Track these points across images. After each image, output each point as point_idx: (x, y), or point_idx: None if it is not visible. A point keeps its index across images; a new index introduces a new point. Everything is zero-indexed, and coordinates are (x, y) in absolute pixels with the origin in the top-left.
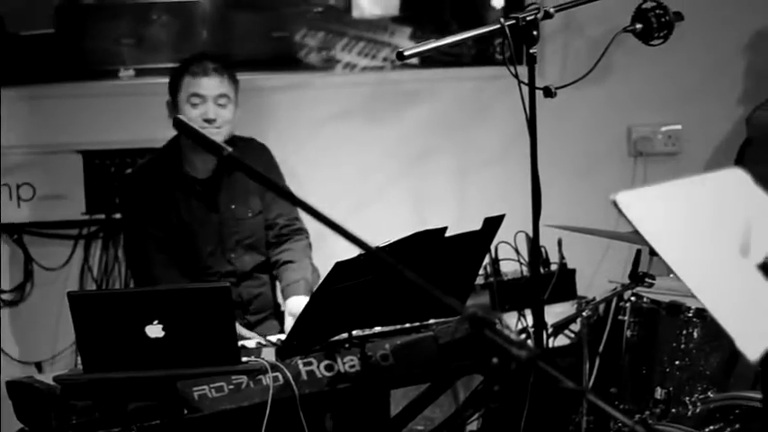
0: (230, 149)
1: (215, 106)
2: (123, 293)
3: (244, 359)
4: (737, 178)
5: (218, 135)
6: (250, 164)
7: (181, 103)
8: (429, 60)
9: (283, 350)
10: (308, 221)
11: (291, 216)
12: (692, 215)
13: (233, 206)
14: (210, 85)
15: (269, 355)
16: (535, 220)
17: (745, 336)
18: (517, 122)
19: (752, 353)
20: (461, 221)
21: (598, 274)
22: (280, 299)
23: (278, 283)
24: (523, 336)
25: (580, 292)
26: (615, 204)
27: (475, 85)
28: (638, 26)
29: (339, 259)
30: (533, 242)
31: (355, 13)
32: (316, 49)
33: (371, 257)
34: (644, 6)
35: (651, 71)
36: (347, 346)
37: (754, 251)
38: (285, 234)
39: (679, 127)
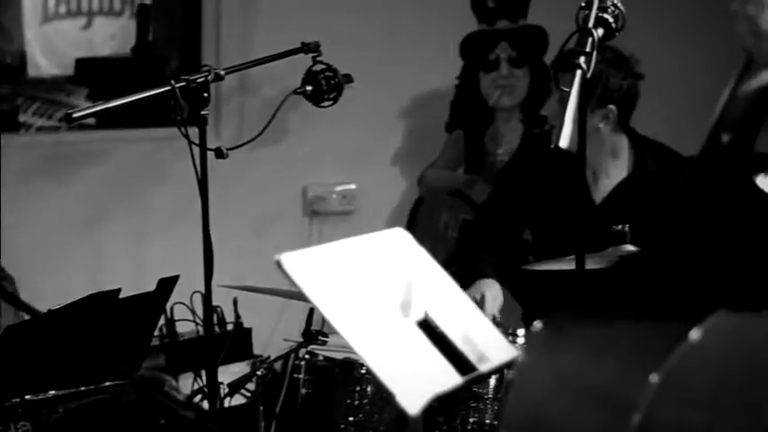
0: None
1: None
2: None
3: None
4: (400, 238)
5: None
6: None
7: None
8: (106, 121)
9: None
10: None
11: None
12: (355, 274)
13: None
14: None
15: None
16: (207, 280)
17: (405, 391)
18: (193, 183)
19: (412, 407)
20: (139, 283)
21: (275, 332)
22: None
23: None
24: (199, 396)
25: (257, 351)
26: (279, 265)
27: (152, 146)
28: (309, 88)
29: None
30: (206, 302)
31: (31, 72)
32: None
33: (42, 321)
34: (314, 69)
35: (325, 132)
36: (20, 411)
37: (414, 309)
38: None
39: (353, 186)
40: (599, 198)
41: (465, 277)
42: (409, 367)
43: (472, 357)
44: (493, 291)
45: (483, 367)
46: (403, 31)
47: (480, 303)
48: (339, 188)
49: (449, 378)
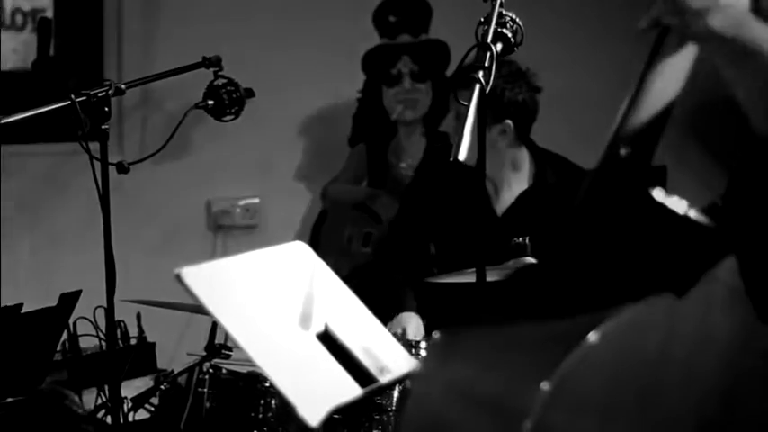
0: None
1: None
2: None
3: None
4: (299, 251)
5: None
6: None
7: None
8: (6, 136)
9: None
10: None
11: None
12: (255, 287)
13: None
14: None
15: None
16: (109, 295)
17: (305, 402)
18: (96, 198)
19: (312, 419)
20: (41, 298)
21: (180, 346)
22: None
23: None
24: (102, 411)
25: (161, 365)
26: (179, 278)
27: (53, 161)
28: (210, 102)
29: None
30: (108, 317)
31: None
32: None
33: None
34: (216, 83)
35: (228, 146)
36: None
37: (315, 321)
38: None
39: (257, 200)
40: (501, 210)
41: (386, 307)
42: (310, 379)
43: (372, 369)
44: (413, 324)
45: (383, 379)
46: (305, 45)
47: (402, 337)
48: (243, 202)
49: (349, 389)
